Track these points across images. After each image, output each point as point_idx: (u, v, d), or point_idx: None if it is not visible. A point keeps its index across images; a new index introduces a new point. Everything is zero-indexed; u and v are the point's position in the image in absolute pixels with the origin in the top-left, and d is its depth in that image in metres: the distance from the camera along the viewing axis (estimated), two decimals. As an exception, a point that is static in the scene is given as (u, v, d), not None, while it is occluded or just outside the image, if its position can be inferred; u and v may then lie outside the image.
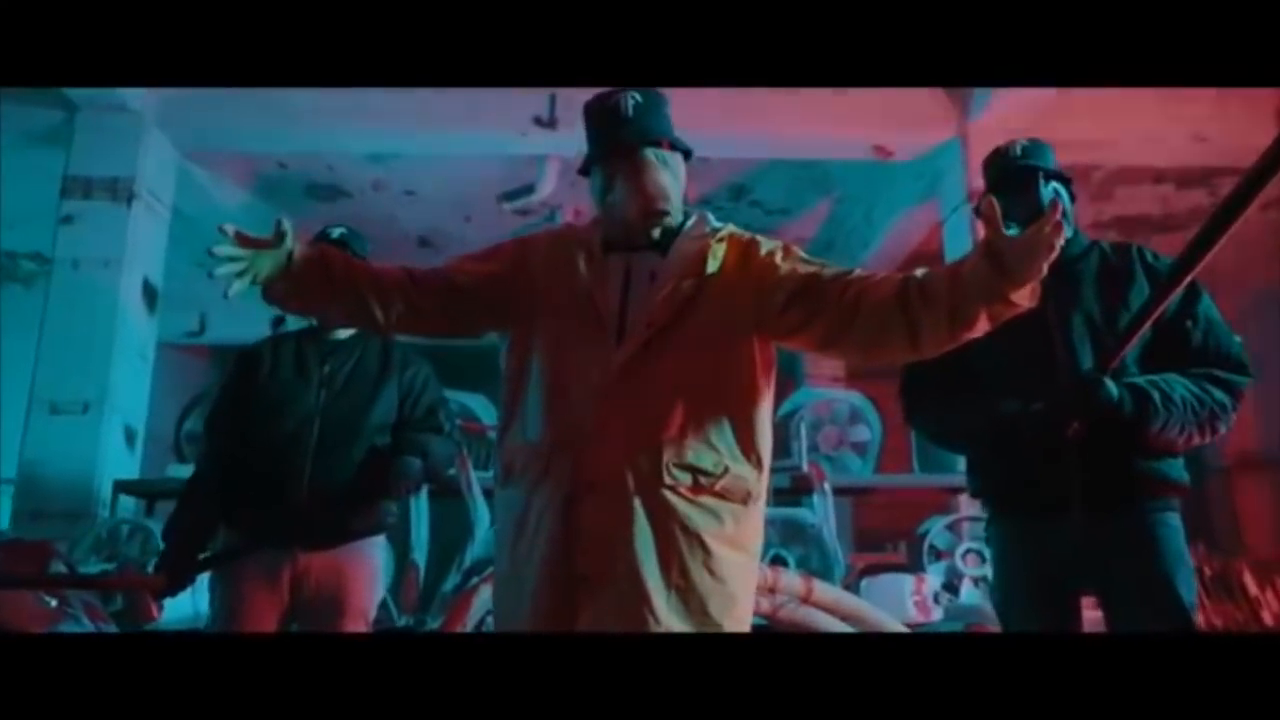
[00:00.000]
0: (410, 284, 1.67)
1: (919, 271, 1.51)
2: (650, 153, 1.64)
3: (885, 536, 6.17)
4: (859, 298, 1.53)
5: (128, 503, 4.73)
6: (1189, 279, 1.70)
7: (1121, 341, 1.81)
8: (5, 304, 7.97)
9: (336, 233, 2.56)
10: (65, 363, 4.77)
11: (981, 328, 1.44)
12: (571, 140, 5.20)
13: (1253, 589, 4.72)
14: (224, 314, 8.16)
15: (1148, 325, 1.79)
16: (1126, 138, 5.37)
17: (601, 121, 1.67)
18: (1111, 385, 1.80)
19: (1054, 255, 1.33)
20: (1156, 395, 1.81)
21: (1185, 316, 1.91)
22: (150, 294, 5.20)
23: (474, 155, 5.75)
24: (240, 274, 1.54)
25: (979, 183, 5.18)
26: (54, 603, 1.87)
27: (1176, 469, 1.92)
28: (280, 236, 1.56)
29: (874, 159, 5.57)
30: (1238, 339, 1.92)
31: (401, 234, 7.01)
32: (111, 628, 1.99)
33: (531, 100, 5.19)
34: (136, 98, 5.06)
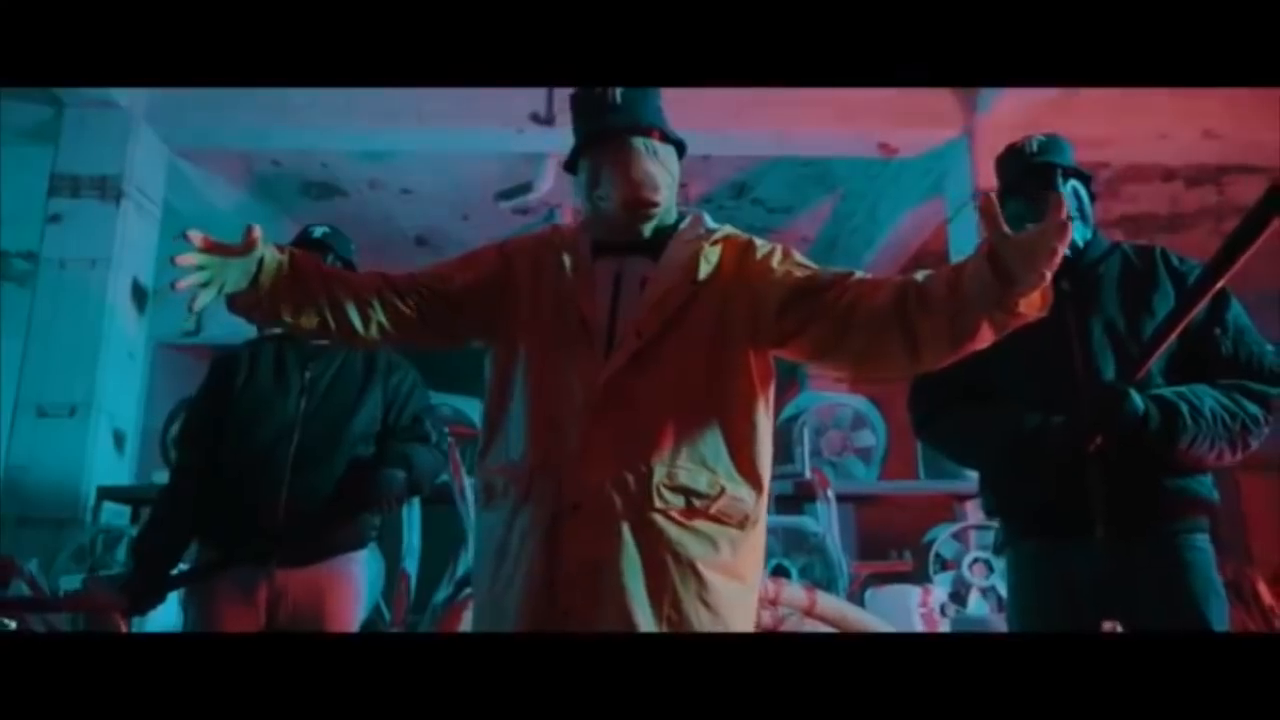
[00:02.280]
0: (390, 291, 1.56)
1: (919, 274, 1.38)
2: (639, 141, 1.53)
3: (890, 543, 6.10)
4: (855, 303, 1.41)
5: (115, 509, 4.64)
6: (1220, 284, 1.59)
7: (1147, 351, 1.70)
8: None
9: (319, 232, 2.47)
10: (52, 365, 4.69)
11: (985, 338, 1.31)
12: (570, 137, 5.11)
13: (1267, 598, 4.61)
14: (221, 314, 8.00)
15: (1175, 335, 1.67)
16: (1136, 135, 5.27)
17: (587, 111, 1.58)
18: (1137, 397, 1.69)
19: (1057, 259, 1.19)
20: (1185, 408, 1.69)
21: (1214, 324, 1.79)
22: (140, 294, 5.11)
23: (471, 153, 5.68)
24: (206, 284, 1.41)
25: (986, 180, 5.09)
26: (13, 625, 1.78)
27: (1206, 487, 1.80)
28: (250, 244, 1.44)
29: (879, 156, 5.50)
30: (1270, 347, 1.81)
31: (399, 232, 6.98)
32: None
33: (529, 97, 5.13)
34: (125, 94, 5.00)
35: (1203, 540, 1.79)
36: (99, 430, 4.71)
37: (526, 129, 5.14)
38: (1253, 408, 1.74)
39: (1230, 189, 6.34)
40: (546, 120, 5.16)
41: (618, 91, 1.54)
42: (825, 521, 3.91)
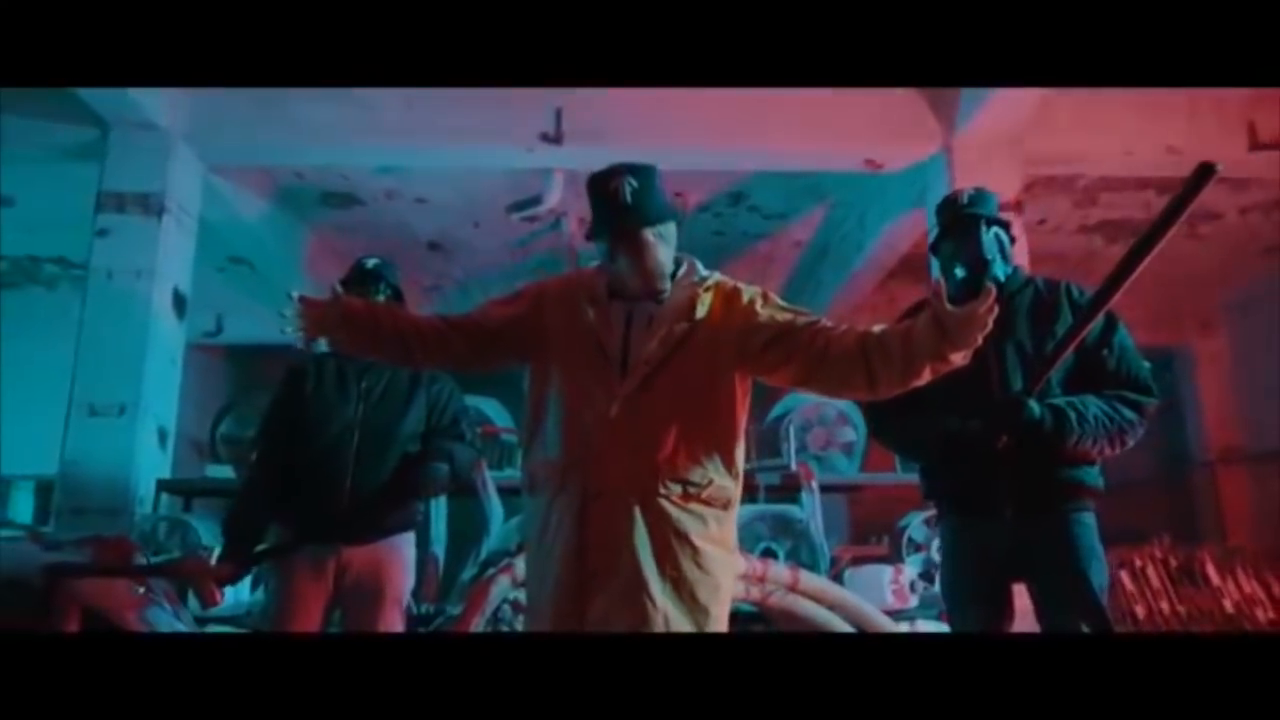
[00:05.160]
0: (447, 329, 2.01)
1: (876, 328, 1.83)
2: (649, 233, 1.93)
3: (878, 529, 6.44)
4: (827, 346, 1.85)
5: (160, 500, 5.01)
6: (1095, 319, 2.03)
7: (1042, 369, 2.14)
8: (29, 306, 8.28)
9: (371, 263, 2.88)
10: (102, 368, 4.98)
11: (925, 378, 1.78)
12: (576, 154, 5.48)
13: (1215, 578, 5.02)
14: (240, 315, 8.45)
15: (1066, 354, 2.11)
16: (1103, 151, 5.58)
17: (604, 203, 1.96)
18: (1034, 405, 2.13)
19: (987, 329, 1.66)
20: (1073, 414, 2.14)
21: (1103, 345, 2.24)
22: (180, 302, 5.44)
23: (483, 170, 6.00)
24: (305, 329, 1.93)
25: None
26: (141, 590, 2.19)
27: (1092, 475, 2.25)
28: (336, 298, 1.94)
29: (865, 171, 5.78)
30: (1147, 365, 2.25)
31: (412, 238, 7.28)
32: (185, 611, 2.31)
33: (538, 117, 5.41)
34: (165, 115, 5.29)
35: (1088, 517, 2.24)
36: (145, 428, 5.02)
37: (536, 148, 5.44)
38: (1129, 413, 2.18)
39: (1200, 197, 6.64)
40: (555, 139, 5.46)
41: (628, 190, 1.91)
42: (809, 509, 4.31)
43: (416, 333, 1.99)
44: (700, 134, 5.37)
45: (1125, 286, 1.96)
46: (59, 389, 5.06)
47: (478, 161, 5.82)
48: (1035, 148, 5.46)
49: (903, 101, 5.48)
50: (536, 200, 6.10)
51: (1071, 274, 2.10)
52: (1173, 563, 5.04)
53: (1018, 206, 5.26)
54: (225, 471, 5.17)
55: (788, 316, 1.94)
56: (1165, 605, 4.81)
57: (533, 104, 5.33)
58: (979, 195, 2.42)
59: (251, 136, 5.53)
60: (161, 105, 5.23)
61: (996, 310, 1.67)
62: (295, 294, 1.90)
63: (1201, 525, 8.51)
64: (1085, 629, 2.09)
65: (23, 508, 8.54)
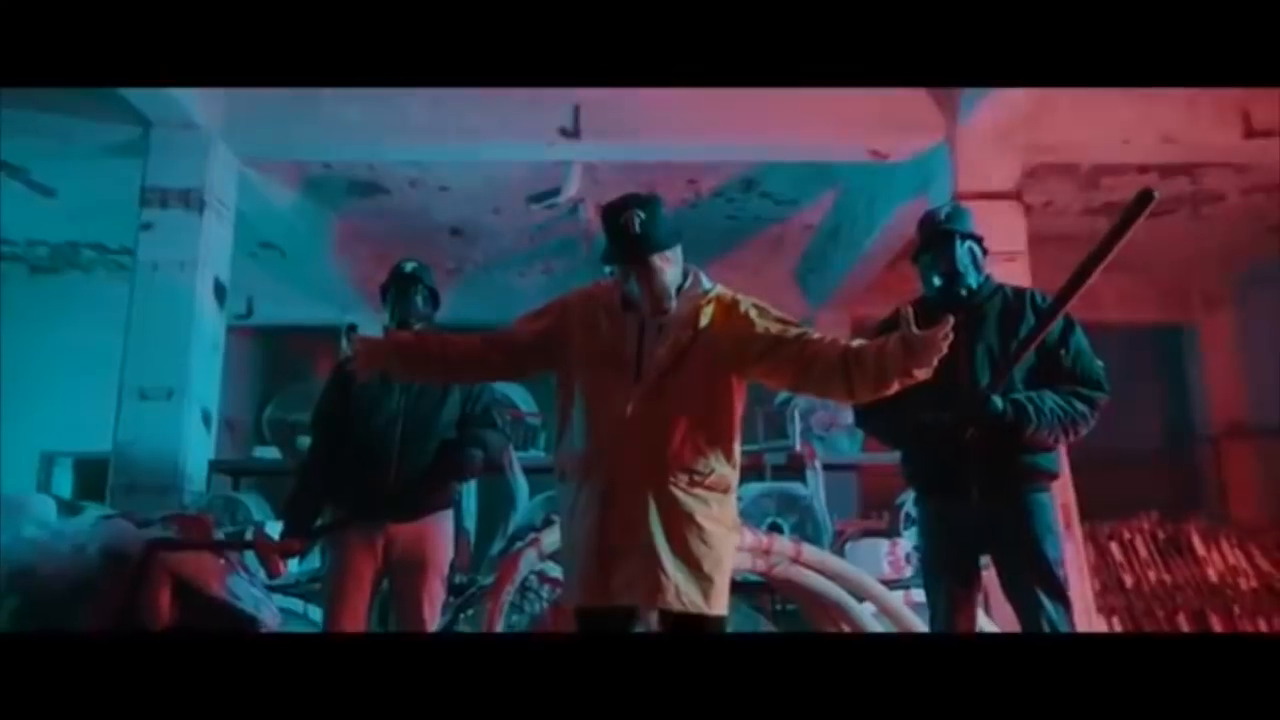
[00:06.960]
0: (484, 348, 2.33)
1: (855, 343, 2.12)
2: (656, 259, 2.21)
3: (885, 505, 6.67)
4: (814, 358, 2.14)
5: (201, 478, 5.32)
6: (1050, 326, 2.31)
7: (1004, 369, 2.42)
8: (67, 290, 8.61)
9: (409, 267, 3.17)
10: (150, 355, 5.26)
11: (895, 389, 2.07)
12: (593, 148, 5.72)
13: (1200, 549, 5.28)
14: (270, 298, 8.74)
15: (1026, 355, 2.40)
16: (1100, 141, 5.74)
17: (615, 234, 2.23)
18: (997, 400, 2.42)
19: (943, 352, 1.95)
20: (1031, 408, 2.43)
21: (1061, 345, 2.52)
22: (220, 291, 5.70)
23: (505, 163, 6.24)
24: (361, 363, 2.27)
25: (966, 184, 5.61)
26: (223, 561, 2.51)
27: (1049, 461, 2.54)
28: (388, 335, 2.31)
29: (870, 161, 5.95)
30: (1100, 364, 2.53)
31: (435, 224, 7.53)
32: (257, 579, 2.63)
33: (557, 113, 5.61)
34: (203, 115, 5.54)
35: (1045, 497, 2.53)
36: (191, 411, 5.30)
37: (556, 142, 5.65)
38: (1081, 407, 2.47)
39: (1201, 181, 6.72)
40: (573, 134, 5.68)
41: (636, 222, 2.18)
42: (813, 487, 4.60)
43: (459, 355, 2.32)
44: (710, 128, 5.57)
45: (1075, 298, 2.23)
46: (96, 369, 5.31)
47: (500, 156, 6.05)
48: (1035, 138, 5.61)
49: (906, 95, 5.61)
50: (556, 192, 6.36)
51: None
52: (1160, 535, 5.30)
53: (1017, 196, 5.46)
54: (271, 453, 5.48)
55: (780, 328, 2.22)
56: (1152, 575, 5.08)
57: (552, 101, 5.54)
58: (955, 212, 2.69)
59: (285, 134, 5.75)
60: (200, 105, 5.46)
61: (951, 337, 1.95)
62: (353, 333, 2.21)
63: (1204, 499, 8.71)
64: (1041, 595, 2.39)
65: (62, 483, 8.81)
